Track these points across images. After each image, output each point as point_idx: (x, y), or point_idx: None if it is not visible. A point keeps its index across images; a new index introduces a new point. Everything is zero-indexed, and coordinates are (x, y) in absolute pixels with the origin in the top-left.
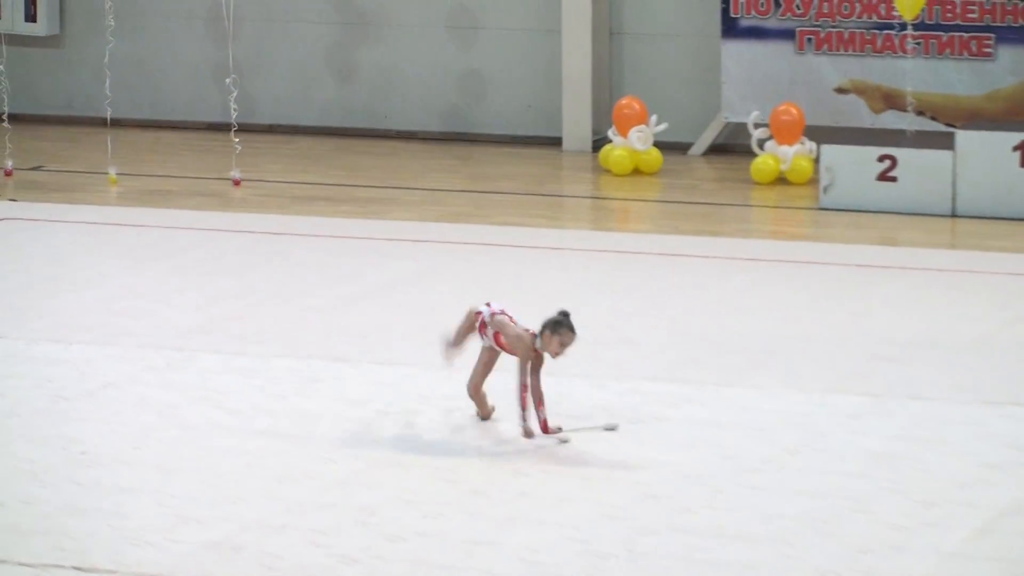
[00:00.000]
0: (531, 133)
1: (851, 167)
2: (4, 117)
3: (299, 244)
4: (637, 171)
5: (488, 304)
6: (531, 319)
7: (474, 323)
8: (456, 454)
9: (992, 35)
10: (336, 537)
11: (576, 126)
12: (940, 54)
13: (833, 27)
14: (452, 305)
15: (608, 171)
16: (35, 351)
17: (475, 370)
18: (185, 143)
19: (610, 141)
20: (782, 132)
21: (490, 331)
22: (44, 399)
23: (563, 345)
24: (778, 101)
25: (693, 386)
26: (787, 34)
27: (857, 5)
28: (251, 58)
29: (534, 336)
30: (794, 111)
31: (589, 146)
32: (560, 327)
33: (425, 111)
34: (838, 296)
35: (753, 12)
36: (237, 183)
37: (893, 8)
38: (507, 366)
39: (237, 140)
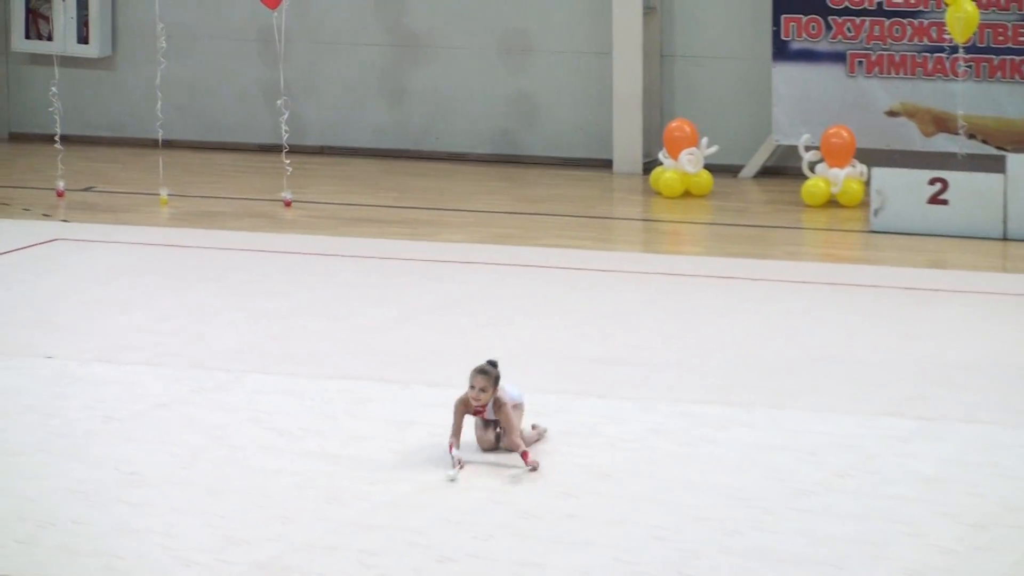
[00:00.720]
0: (581, 155)
1: (902, 190)
2: (56, 138)
3: (348, 265)
4: (688, 193)
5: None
6: (578, 343)
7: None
8: (505, 475)
9: None
10: (385, 558)
11: (627, 148)
12: (991, 77)
13: (884, 50)
14: (500, 327)
15: (658, 193)
16: (85, 371)
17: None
18: (236, 164)
19: (661, 163)
20: (833, 155)
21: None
22: (95, 419)
23: (472, 388)
24: (829, 124)
25: (743, 408)
26: (838, 57)
27: (908, 28)
28: (302, 80)
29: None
30: (845, 134)
31: (640, 168)
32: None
33: (476, 133)
34: (888, 319)
35: (804, 35)
36: (288, 204)
37: (944, 31)
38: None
39: (288, 161)
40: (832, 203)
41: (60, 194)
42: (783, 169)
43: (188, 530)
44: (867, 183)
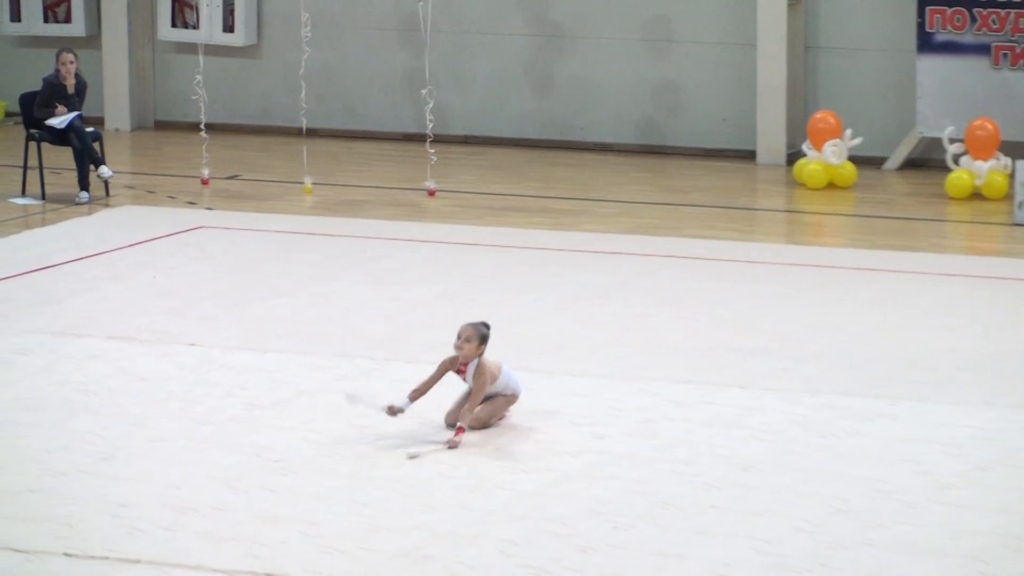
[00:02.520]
0: (725, 146)
1: None
2: (201, 127)
3: (491, 255)
4: (831, 185)
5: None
6: (721, 334)
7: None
8: (647, 466)
9: None
10: (527, 548)
11: (770, 139)
12: None
13: None
14: (643, 317)
15: (802, 185)
16: (229, 359)
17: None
18: (379, 153)
19: (804, 155)
20: (977, 147)
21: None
22: (238, 407)
23: (458, 337)
24: (973, 116)
25: (887, 401)
26: (982, 49)
27: None
28: (446, 69)
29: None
30: (989, 126)
31: (783, 159)
32: None
33: (620, 123)
34: None
35: (949, 27)
36: (431, 193)
37: None
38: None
39: (432, 150)
40: (976, 196)
41: (205, 182)
42: (927, 161)
43: (331, 518)
44: (1011, 176)
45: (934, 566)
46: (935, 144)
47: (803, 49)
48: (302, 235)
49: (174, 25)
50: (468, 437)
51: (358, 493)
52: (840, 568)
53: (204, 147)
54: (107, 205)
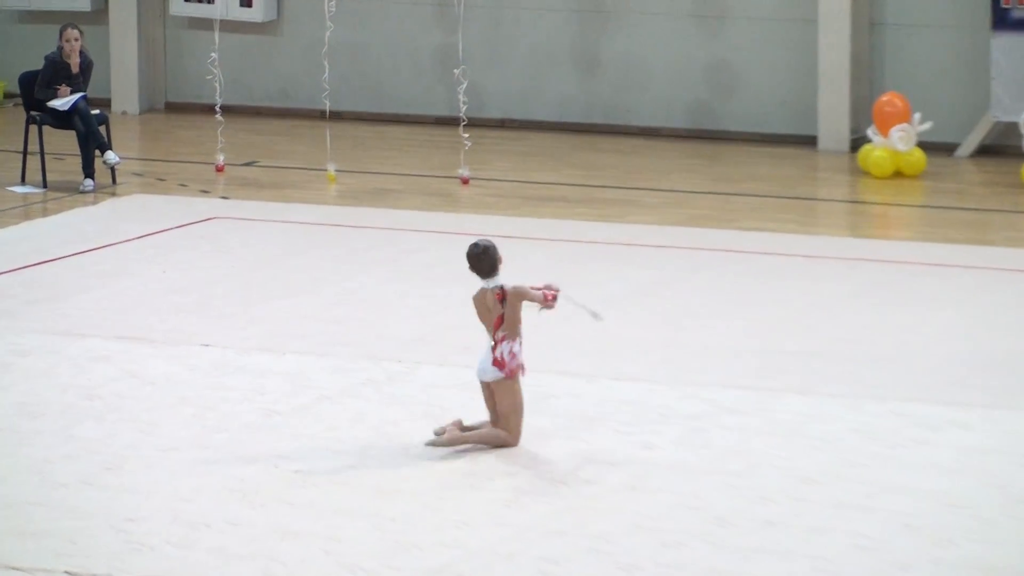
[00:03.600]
0: (783, 131)
1: None
2: (216, 109)
3: (530, 248)
4: (899, 173)
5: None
6: (779, 335)
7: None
8: (698, 478)
9: None
10: (567, 567)
11: (833, 124)
12: None
13: None
14: (694, 316)
15: (867, 173)
16: (245, 361)
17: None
18: (409, 138)
19: (869, 141)
20: None
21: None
22: (255, 413)
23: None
24: None
25: (958, 408)
26: None
27: None
28: (482, 47)
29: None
30: None
31: (846, 146)
32: None
33: (670, 106)
34: None
35: None
36: (465, 181)
37: None
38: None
39: (466, 135)
40: None
41: (219, 169)
42: (1002, 148)
43: (355, 533)
44: None
45: None
46: (1011, 129)
47: (868, 25)
48: (325, 227)
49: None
50: (507, 448)
51: (384, 507)
52: None
53: (219, 131)
54: (113, 194)
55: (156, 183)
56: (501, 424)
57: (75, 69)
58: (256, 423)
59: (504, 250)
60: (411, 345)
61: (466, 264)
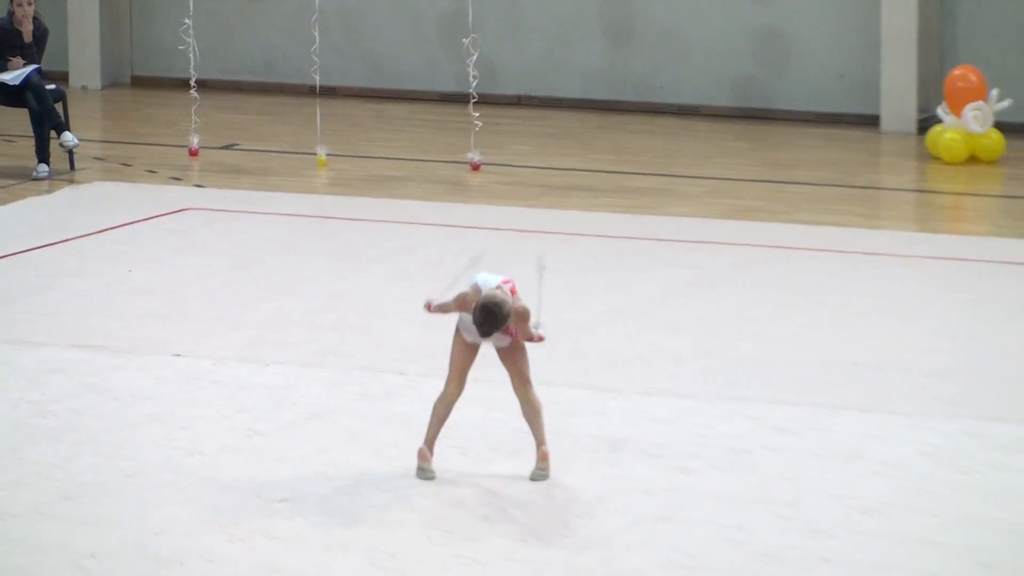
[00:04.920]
0: (842, 109)
1: None
2: (192, 84)
3: (552, 244)
4: (973, 158)
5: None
6: (836, 344)
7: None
8: (742, 508)
9: None
10: None
11: (898, 102)
12: None
13: None
14: (740, 322)
15: (937, 158)
16: (223, 373)
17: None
18: (411, 118)
19: (940, 121)
20: None
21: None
22: (234, 433)
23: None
24: None
25: None
26: None
27: None
28: (495, 13)
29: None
30: None
31: (914, 127)
32: None
33: (711, 81)
34: None
35: None
36: (476, 167)
37: None
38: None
39: (476, 115)
40: None
41: (194, 152)
42: None
43: (349, 572)
44: None
45: None
46: None
47: None
48: (315, 219)
49: None
50: (520, 472)
51: (383, 541)
52: None
53: (193, 109)
54: (72, 181)
55: (120, 169)
56: (516, 382)
57: (27, 38)
58: (235, 444)
59: (521, 245)
60: (414, 355)
61: (478, 316)
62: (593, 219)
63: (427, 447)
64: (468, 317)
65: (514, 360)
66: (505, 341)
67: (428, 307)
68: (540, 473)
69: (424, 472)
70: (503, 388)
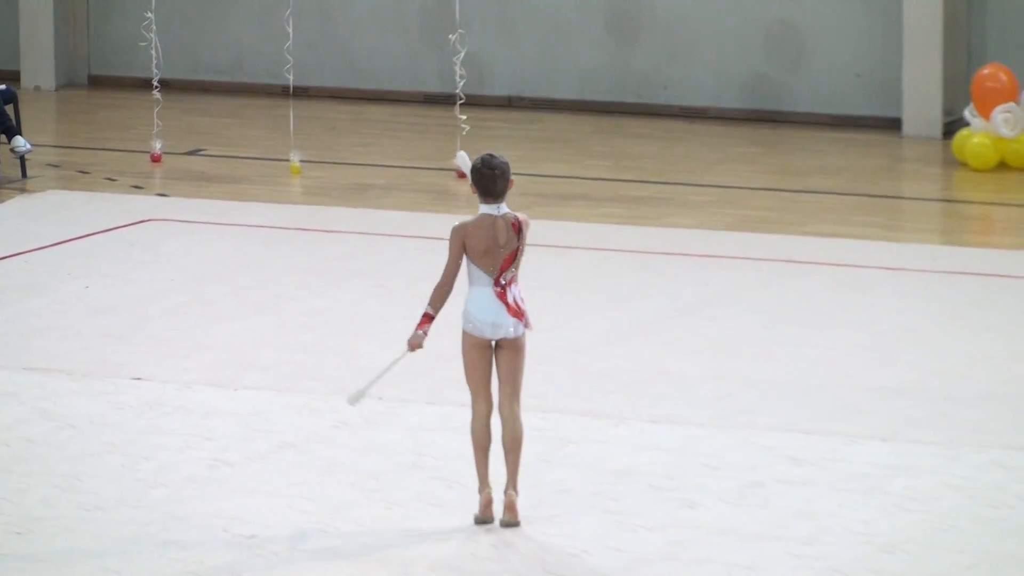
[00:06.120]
0: (861, 112)
1: None
2: (155, 84)
3: (547, 258)
4: (1003, 165)
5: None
6: (855, 366)
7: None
8: (754, 545)
9: None
10: None
11: (921, 103)
12: None
13: None
14: (751, 343)
15: (964, 164)
16: (187, 398)
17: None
18: (393, 120)
19: (967, 124)
20: None
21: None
22: (199, 463)
23: None
24: None
25: None
26: None
27: None
28: (484, 7)
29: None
30: None
31: (939, 131)
32: None
33: (719, 80)
34: None
35: None
36: (462, 175)
37: None
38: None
39: (463, 117)
40: None
41: (156, 158)
42: None
43: None
44: None
45: None
46: None
47: None
48: (288, 231)
49: None
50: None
51: None
52: None
53: (155, 112)
54: (23, 189)
55: (77, 176)
56: (508, 391)
57: None
58: (201, 476)
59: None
60: (395, 379)
61: (471, 179)
62: (590, 231)
63: (487, 492)
64: (473, 310)
65: (513, 363)
66: (519, 329)
67: (413, 345)
68: (509, 526)
69: (485, 520)
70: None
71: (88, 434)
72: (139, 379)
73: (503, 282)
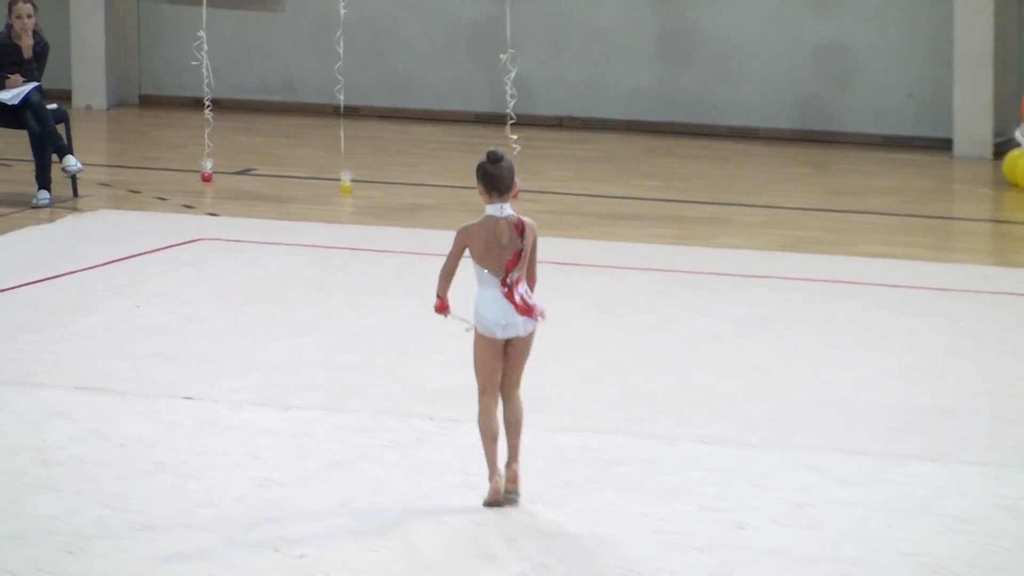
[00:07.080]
0: (911, 132)
1: None
2: (207, 104)
3: (594, 278)
4: None
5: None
6: (905, 387)
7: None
8: (804, 567)
9: None
10: None
11: (972, 124)
12: None
13: None
14: (800, 363)
15: (1015, 185)
16: (238, 418)
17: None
18: (443, 140)
19: (1018, 145)
20: None
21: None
22: (249, 483)
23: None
24: None
25: None
26: None
27: None
28: (535, 27)
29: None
30: None
31: (989, 151)
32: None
33: (770, 100)
34: None
35: None
36: (513, 195)
37: None
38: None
39: (514, 137)
40: None
41: (207, 178)
42: None
43: None
44: None
45: None
46: None
47: (1017, 0)
48: (338, 250)
49: None
50: (563, 528)
51: None
52: None
53: (206, 132)
54: (75, 209)
55: (128, 196)
56: (513, 379)
57: (27, 53)
58: (252, 496)
59: (562, 279)
60: (445, 398)
61: (477, 175)
62: (640, 251)
63: (496, 479)
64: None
65: (522, 357)
66: (530, 327)
67: (439, 306)
68: (510, 496)
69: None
70: None
71: (139, 453)
72: (190, 398)
73: (509, 282)
